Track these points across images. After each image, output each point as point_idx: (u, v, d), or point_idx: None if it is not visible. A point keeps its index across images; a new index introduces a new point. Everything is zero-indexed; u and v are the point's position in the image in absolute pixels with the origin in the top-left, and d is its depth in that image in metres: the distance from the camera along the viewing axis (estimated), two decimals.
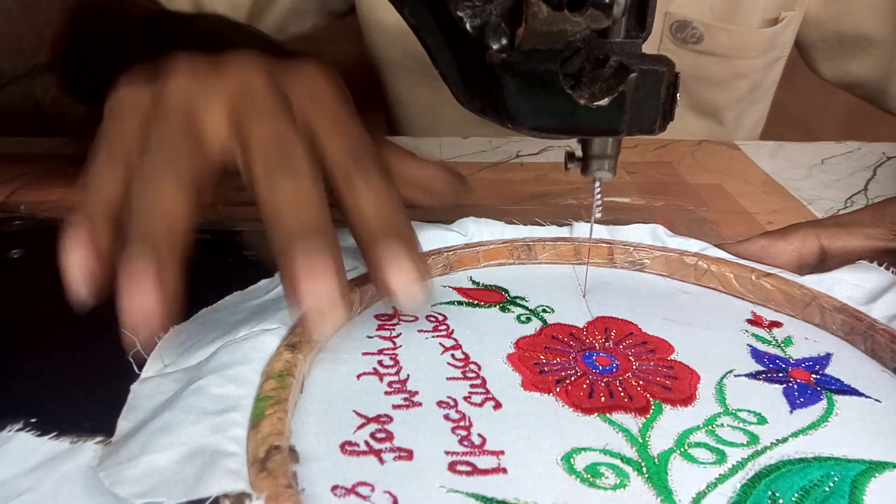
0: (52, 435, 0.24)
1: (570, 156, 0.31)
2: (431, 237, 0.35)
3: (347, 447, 0.23)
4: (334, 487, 0.21)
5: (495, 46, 0.26)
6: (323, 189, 0.27)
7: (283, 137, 0.27)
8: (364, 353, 0.28)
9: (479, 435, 0.24)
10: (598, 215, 0.32)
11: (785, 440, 0.24)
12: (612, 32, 0.26)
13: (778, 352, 0.29)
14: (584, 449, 0.24)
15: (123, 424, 0.24)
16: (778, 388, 0.27)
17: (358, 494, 0.21)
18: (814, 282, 0.32)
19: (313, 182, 0.27)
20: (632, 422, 0.25)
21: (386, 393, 0.26)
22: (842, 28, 0.66)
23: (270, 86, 0.29)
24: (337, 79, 0.32)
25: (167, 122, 0.28)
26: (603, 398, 0.26)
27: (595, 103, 0.25)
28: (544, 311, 0.32)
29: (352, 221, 0.28)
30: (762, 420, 0.25)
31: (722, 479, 0.23)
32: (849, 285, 0.32)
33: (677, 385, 0.27)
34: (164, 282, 0.24)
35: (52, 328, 0.32)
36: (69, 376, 0.28)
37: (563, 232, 0.36)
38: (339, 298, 0.24)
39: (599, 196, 0.31)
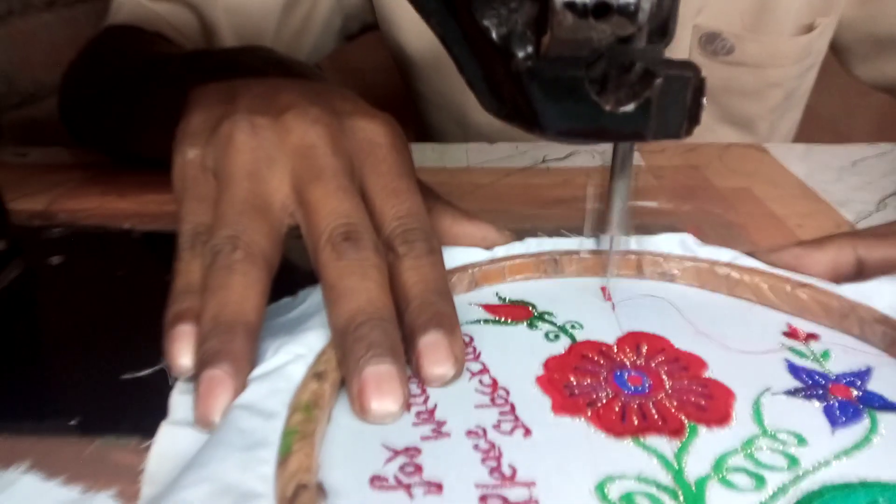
0: (61, 479, 0.23)
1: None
2: (456, 254, 0.33)
3: (376, 482, 0.22)
4: None
5: (521, 54, 0.25)
6: (386, 270, 0.27)
7: (349, 215, 0.28)
8: None
9: (510, 465, 0.22)
10: (618, 220, 0.31)
11: (827, 463, 0.22)
12: (635, 39, 0.25)
13: (816, 366, 0.27)
14: (618, 477, 0.22)
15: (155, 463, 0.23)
16: (818, 407, 0.25)
17: None
18: (851, 292, 0.30)
19: (378, 269, 0.27)
20: (666, 445, 0.23)
21: (414, 424, 0.24)
22: (877, 30, 0.63)
23: (331, 145, 0.29)
24: (395, 133, 0.32)
25: (232, 193, 0.28)
26: (636, 420, 0.24)
27: (621, 109, 0.25)
28: (573, 326, 0.30)
29: (396, 294, 0.27)
30: (802, 441, 0.23)
31: None
32: (889, 295, 0.29)
33: (712, 404, 0.25)
34: (237, 385, 0.24)
35: (91, 332, 0.32)
36: (108, 379, 0.28)
37: (589, 244, 0.34)
38: (400, 391, 0.24)
39: (619, 201, 0.31)
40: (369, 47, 0.78)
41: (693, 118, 0.26)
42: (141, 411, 0.26)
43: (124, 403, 0.27)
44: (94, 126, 0.54)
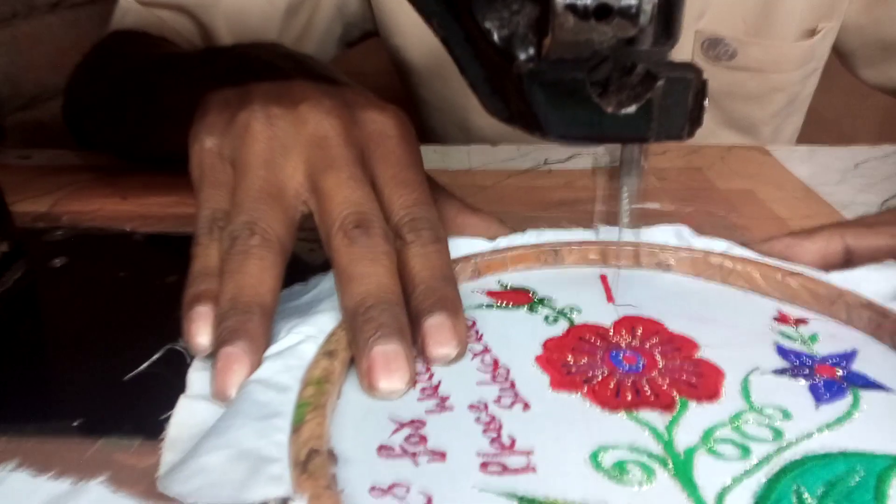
0: (50, 474, 0.24)
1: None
2: (460, 245, 0.36)
3: (384, 450, 0.24)
4: (372, 488, 0.23)
5: (523, 57, 0.26)
6: (394, 256, 0.30)
7: (360, 203, 0.30)
8: None
9: (509, 436, 0.25)
10: (626, 220, 0.33)
11: (810, 435, 0.25)
12: (639, 41, 0.26)
13: (804, 348, 0.30)
14: (612, 447, 0.24)
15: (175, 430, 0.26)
16: (803, 385, 0.28)
17: (394, 495, 0.22)
18: (840, 279, 0.33)
19: (387, 255, 0.29)
20: (658, 419, 0.26)
21: (419, 398, 0.27)
22: (883, 34, 0.66)
23: (344, 136, 0.32)
24: (404, 125, 0.35)
25: (249, 181, 0.31)
26: (630, 396, 0.27)
27: (622, 111, 0.26)
28: (571, 311, 0.32)
29: (403, 279, 0.30)
30: (787, 416, 0.26)
31: (747, 473, 0.23)
32: (875, 282, 0.32)
33: (703, 382, 0.28)
34: (253, 362, 0.27)
35: (94, 333, 0.34)
36: (111, 380, 0.30)
37: (588, 235, 0.37)
38: (406, 370, 0.27)
39: (627, 202, 0.33)
40: (370, 52, 0.80)
41: (695, 120, 0.27)
42: (144, 412, 0.27)
43: (127, 405, 0.28)
44: (100, 127, 0.57)
